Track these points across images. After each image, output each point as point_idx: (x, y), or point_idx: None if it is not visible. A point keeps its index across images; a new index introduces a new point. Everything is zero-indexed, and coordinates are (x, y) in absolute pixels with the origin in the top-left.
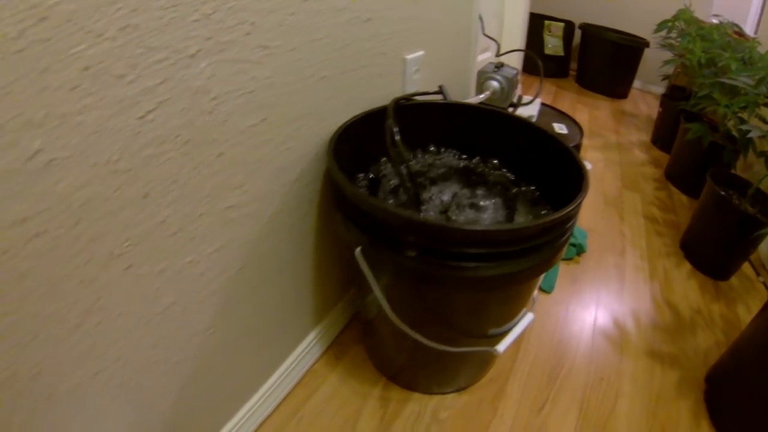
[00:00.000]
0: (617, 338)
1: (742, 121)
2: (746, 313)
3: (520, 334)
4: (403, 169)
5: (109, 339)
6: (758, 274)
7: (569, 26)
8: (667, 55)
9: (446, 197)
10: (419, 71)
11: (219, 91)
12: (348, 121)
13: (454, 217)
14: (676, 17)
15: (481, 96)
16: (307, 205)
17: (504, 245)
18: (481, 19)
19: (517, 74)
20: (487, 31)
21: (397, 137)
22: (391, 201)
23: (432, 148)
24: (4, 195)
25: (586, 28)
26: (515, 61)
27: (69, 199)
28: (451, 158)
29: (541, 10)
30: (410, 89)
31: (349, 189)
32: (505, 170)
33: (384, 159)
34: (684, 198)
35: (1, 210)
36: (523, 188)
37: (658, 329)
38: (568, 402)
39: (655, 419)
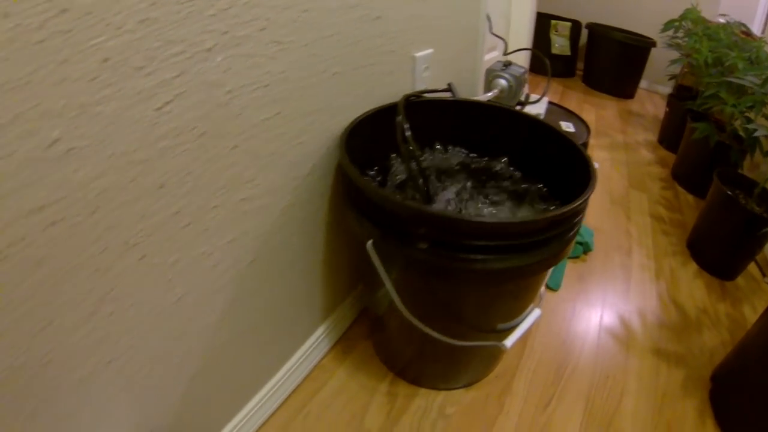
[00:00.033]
0: (623, 336)
1: (749, 121)
2: (752, 313)
3: (527, 330)
4: (414, 165)
5: (121, 329)
6: (764, 275)
7: (576, 26)
8: (674, 54)
9: (455, 193)
10: (428, 69)
11: (234, 85)
12: (359, 116)
13: (463, 212)
14: (683, 17)
15: (490, 94)
16: (319, 199)
17: (514, 238)
18: (488, 18)
19: (524, 73)
20: (494, 30)
21: (408, 133)
22: (398, 196)
23: (440, 146)
24: (23, 183)
25: (592, 27)
26: (522, 60)
27: (86, 188)
28: (459, 155)
29: (547, 10)
30: (419, 87)
31: (362, 182)
32: (513, 168)
33: (393, 155)
34: (690, 198)
35: (19, 197)
36: (532, 185)
37: (664, 328)
38: (574, 399)
39: (660, 417)
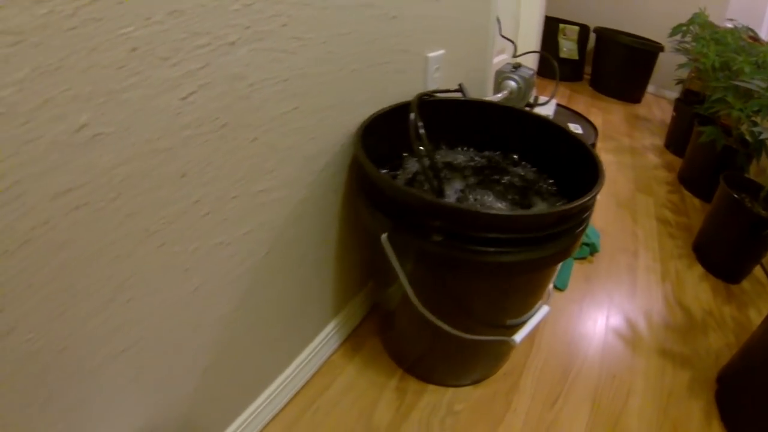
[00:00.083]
0: (629, 337)
1: (756, 125)
2: (758, 316)
3: (536, 326)
4: (427, 162)
5: (137, 317)
6: None
7: (584, 30)
8: (682, 59)
9: (466, 190)
10: (439, 69)
11: (255, 78)
12: (374, 113)
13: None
14: (690, 21)
15: (499, 95)
16: (332, 195)
17: (525, 231)
18: (498, 20)
19: (533, 75)
20: (503, 33)
21: (422, 131)
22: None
23: (452, 144)
24: (50, 166)
25: (600, 31)
26: (530, 63)
27: (110, 174)
28: (470, 154)
29: (556, 14)
30: (431, 87)
31: (378, 175)
32: (523, 163)
33: (406, 155)
34: (697, 201)
35: (45, 180)
36: (541, 183)
37: (670, 329)
38: (581, 397)
39: (666, 417)
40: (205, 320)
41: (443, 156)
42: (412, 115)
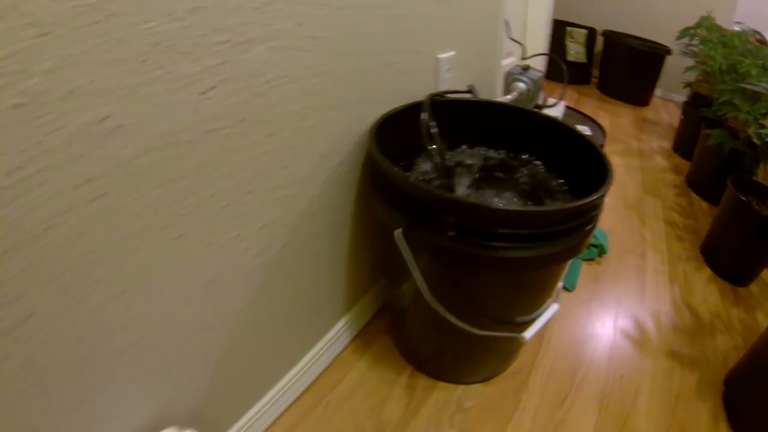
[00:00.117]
0: (637, 338)
1: (763, 128)
2: (765, 319)
3: (545, 324)
4: (438, 160)
5: (153, 308)
6: None
7: (591, 33)
8: (689, 62)
9: (476, 188)
10: (450, 70)
11: (272, 75)
12: (387, 112)
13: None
14: (698, 24)
15: (509, 96)
16: (346, 192)
17: (537, 227)
18: (507, 23)
19: (542, 77)
20: (512, 36)
21: (434, 130)
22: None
23: (462, 145)
24: (72, 156)
25: (608, 35)
26: (538, 66)
27: (131, 165)
28: (480, 154)
29: (563, 17)
30: (442, 87)
31: (392, 171)
32: (534, 163)
33: (418, 159)
34: (705, 205)
35: (68, 170)
36: (551, 182)
37: (678, 331)
38: (589, 397)
39: (674, 418)
40: (219, 313)
41: (454, 156)
42: (425, 115)
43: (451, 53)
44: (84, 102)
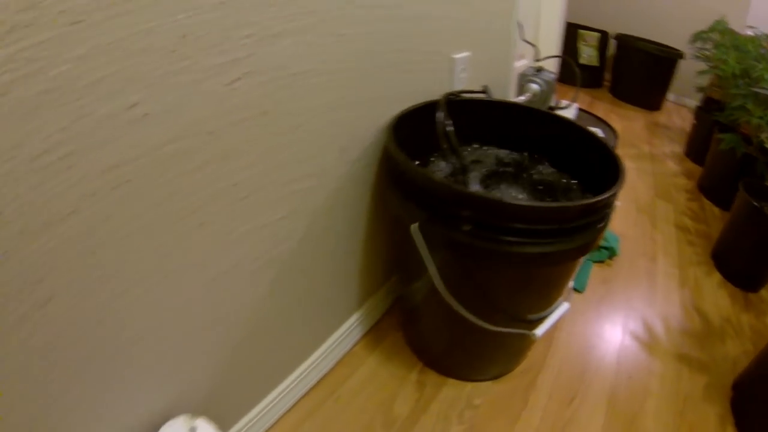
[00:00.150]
0: (646, 340)
1: None
2: None
3: (556, 322)
4: (453, 156)
5: (172, 295)
6: None
7: (604, 36)
8: (702, 66)
9: (491, 186)
10: (465, 71)
11: (296, 69)
12: (405, 110)
13: None
14: (711, 28)
15: (522, 97)
16: (363, 187)
17: (551, 222)
18: (520, 25)
19: (555, 78)
20: (525, 38)
21: (450, 128)
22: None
23: (475, 144)
24: (101, 141)
25: (621, 38)
26: (551, 69)
27: (157, 152)
28: (495, 153)
29: (576, 20)
30: (457, 87)
31: (409, 166)
32: (547, 163)
33: (432, 159)
34: (716, 210)
35: (96, 154)
36: (563, 181)
37: (687, 335)
38: (597, 397)
39: (682, 420)
40: (235, 303)
41: (468, 154)
42: (440, 113)
43: (466, 54)
44: (112, 89)
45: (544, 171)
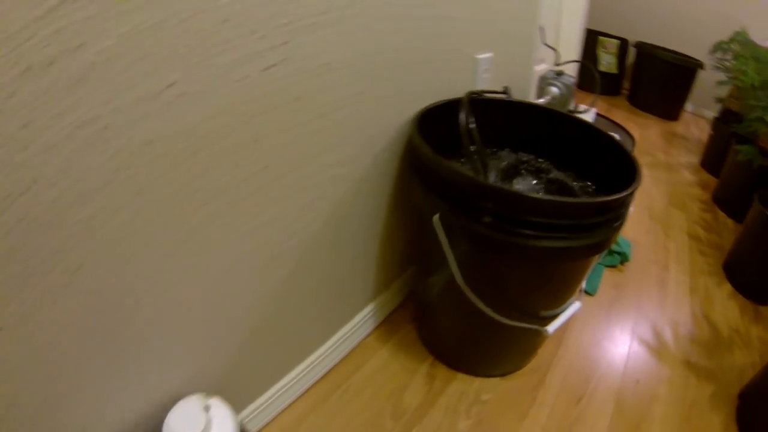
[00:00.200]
0: (655, 345)
1: None
2: None
3: (567, 320)
4: (474, 154)
5: (201, 270)
6: None
7: (624, 44)
8: (721, 77)
9: (509, 185)
10: (487, 71)
11: (328, 59)
12: (429, 105)
13: None
14: (731, 39)
15: (542, 100)
16: (385, 179)
17: (569, 218)
18: (542, 29)
19: (575, 82)
20: (546, 41)
21: (473, 125)
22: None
23: (497, 144)
24: (139, 116)
25: (640, 46)
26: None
27: (192, 130)
28: (514, 153)
29: (596, 27)
30: (479, 87)
31: (433, 157)
32: (565, 163)
33: (454, 154)
34: (730, 221)
35: (133, 129)
36: (580, 183)
37: (696, 342)
38: (604, 398)
39: (688, 426)
40: (260, 281)
41: (489, 154)
42: (463, 111)
43: (489, 55)
44: (153, 68)
45: (562, 170)
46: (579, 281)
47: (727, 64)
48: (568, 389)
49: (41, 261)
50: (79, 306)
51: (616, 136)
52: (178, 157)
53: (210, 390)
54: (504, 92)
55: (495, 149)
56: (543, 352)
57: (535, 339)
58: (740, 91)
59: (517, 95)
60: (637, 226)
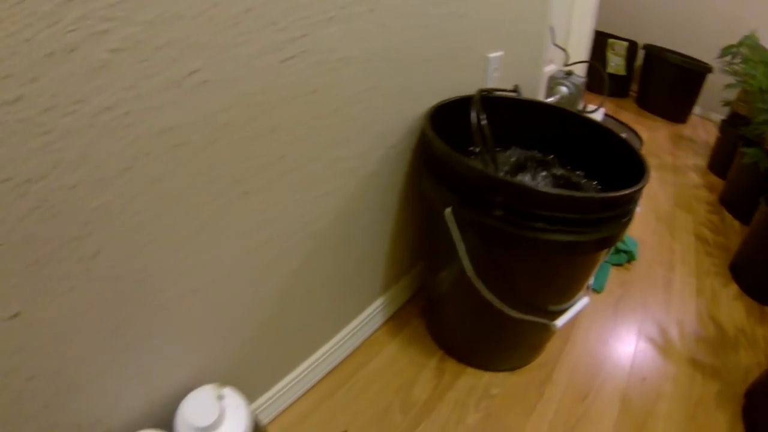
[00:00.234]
0: (661, 343)
1: None
2: None
3: (575, 315)
4: (486, 150)
5: (212, 260)
6: None
7: (632, 46)
8: (730, 80)
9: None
10: (497, 70)
11: (344, 54)
12: (442, 101)
13: None
14: (740, 43)
15: (551, 99)
16: (396, 174)
17: (579, 212)
18: (552, 29)
19: (584, 83)
20: (556, 42)
21: (484, 122)
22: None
23: (506, 141)
24: (160, 103)
25: (649, 48)
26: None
27: (212, 119)
28: (523, 151)
29: (605, 29)
30: (489, 85)
31: (446, 151)
32: (573, 162)
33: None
34: (736, 223)
35: (153, 116)
36: (588, 181)
37: (701, 341)
38: (611, 395)
39: (694, 423)
40: (272, 273)
41: (498, 151)
42: (474, 111)
43: (500, 53)
44: (176, 55)
45: (568, 172)
46: (587, 277)
47: (736, 67)
48: (575, 386)
49: (58, 247)
50: (95, 293)
51: (624, 136)
52: (198, 145)
53: (224, 379)
54: (514, 90)
55: (504, 147)
56: (550, 348)
57: (544, 333)
58: (748, 95)
59: (526, 94)
60: (643, 227)
